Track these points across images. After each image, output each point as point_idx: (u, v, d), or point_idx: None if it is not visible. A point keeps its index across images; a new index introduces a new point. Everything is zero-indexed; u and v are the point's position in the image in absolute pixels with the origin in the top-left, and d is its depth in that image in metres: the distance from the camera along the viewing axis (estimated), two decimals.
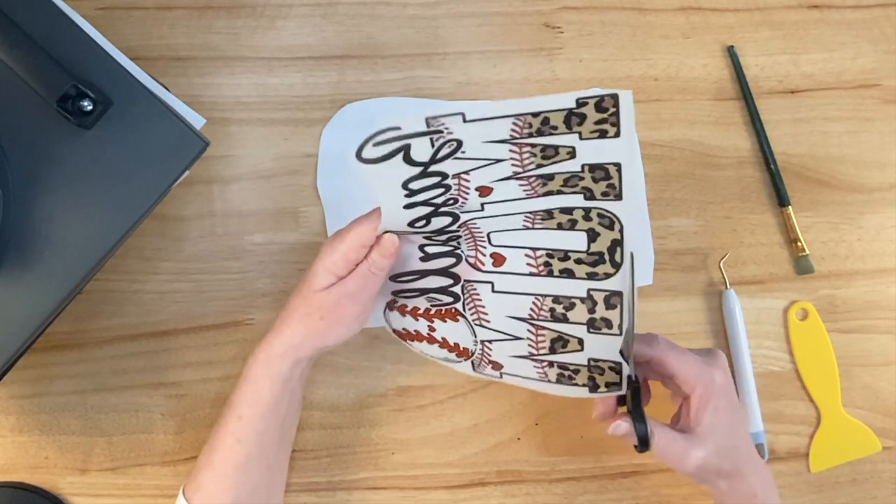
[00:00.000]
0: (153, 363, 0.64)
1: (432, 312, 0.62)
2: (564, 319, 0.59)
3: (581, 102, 0.52)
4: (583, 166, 0.55)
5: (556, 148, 0.55)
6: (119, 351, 0.64)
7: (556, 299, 0.59)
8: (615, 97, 0.52)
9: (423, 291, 0.61)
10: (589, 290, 0.58)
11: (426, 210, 0.56)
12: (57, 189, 0.50)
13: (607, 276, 0.58)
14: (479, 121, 0.53)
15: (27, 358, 0.62)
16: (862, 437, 0.68)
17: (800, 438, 0.68)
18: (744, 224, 0.69)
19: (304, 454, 0.65)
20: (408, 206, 0.55)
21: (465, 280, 0.60)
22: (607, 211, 0.56)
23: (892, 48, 0.71)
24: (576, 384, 0.60)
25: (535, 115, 0.53)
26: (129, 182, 0.51)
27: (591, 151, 0.55)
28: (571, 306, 0.59)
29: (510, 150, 0.55)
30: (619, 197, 0.56)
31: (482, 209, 0.57)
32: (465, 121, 0.53)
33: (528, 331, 0.60)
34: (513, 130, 0.54)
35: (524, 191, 0.57)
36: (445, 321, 0.61)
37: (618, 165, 0.55)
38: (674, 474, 0.67)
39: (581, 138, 0.54)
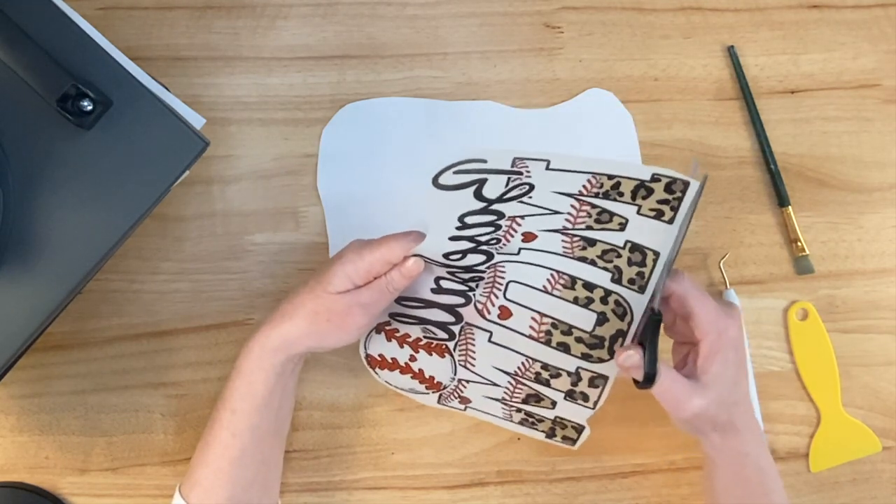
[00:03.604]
0: (153, 363, 0.64)
1: (422, 343, 0.62)
2: (546, 384, 0.62)
3: (655, 178, 0.55)
4: (625, 242, 0.58)
5: (611, 215, 0.57)
6: (119, 351, 0.64)
7: (545, 366, 0.61)
8: (686, 184, 0.54)
9: (422, 321, 0.61)
10: (578, 368, 0.61)
11: (468, 245, 0.57)
12: (57, 189, 0.50)
13: (601, 360, 0.60)
14: (560, 171, 0.55)
15: (27, 358, 0.62)
16: (862, 437, 0.68)
17: (800, 438, 0.68)
18: (744, 224, 0.69)
19: (304, 454, 0.65)
20: (453, 238, 0.56)
21: (466, 322, 0.61)
22: (625, 301, 0.59)
23: (892, 48, 0.71)
24: (535, 429, 0.64)
25: (610, 177, 0.55)
26: (129, 182, 0.51)
27: (640, 229, 0.57)
28: (557, 375, 0.61)
29: (571, 205, 0.57)
30: (642, 290, 0.58)
31: (518, 253, 0.59)
32: (547, 168, 0.54)
33: (509, 382, 0.63)
34: (584, 186, 0.56)
35: (563, 247, 0.58)
36: (431, 355, 0.62)
37: (657, 255, 0.57)
38: (674, 474, 0.67)
39: (638, 213, 0.56)
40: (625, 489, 0.67)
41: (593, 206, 0.57)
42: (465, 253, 0.57)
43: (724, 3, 0.70)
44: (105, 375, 0.64)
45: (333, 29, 0.68)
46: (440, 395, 0.64)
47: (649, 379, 0.53)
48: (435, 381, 0.63)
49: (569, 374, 0.61)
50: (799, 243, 0.68)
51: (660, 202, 0.55)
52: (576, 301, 0.59)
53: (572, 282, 0.59)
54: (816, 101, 0.70)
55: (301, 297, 0.57)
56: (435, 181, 0.52)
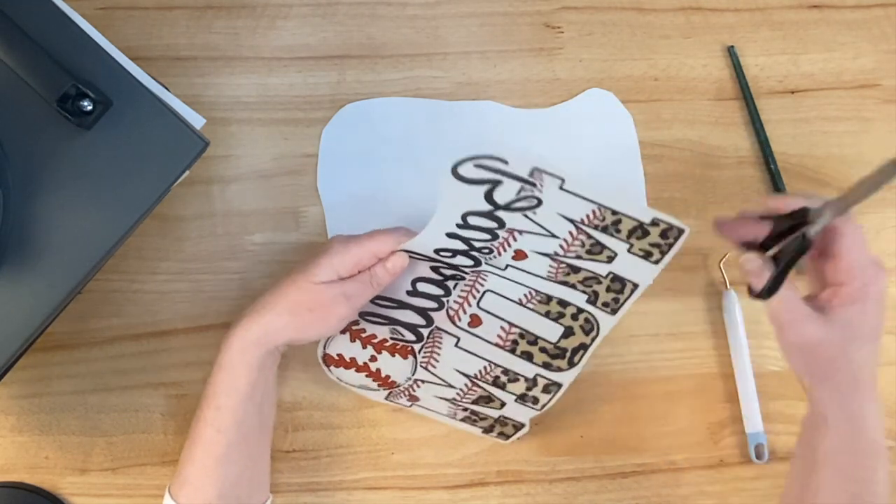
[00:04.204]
0: (153, 363, 0.64)
1: (387, 344, 0.62)
2: (502, 388, 0.63)
3: (654, 221, 0.57)
4: (609, 273, 0.59)
5: (603, 247, 0.58)
6: (119, 351, 0.64)
7: (506, 371, 0.63)
8: (681, 231, 0.57)
9: (392, 321, 0.61)
10: (536, 375, 0.63)
11: (461, 246, 0.57)
12: (57, 189, 0.50)
13: (559, 370, 0.62)
14: (570, 193, 0.55)
15: (27, 358, 0.62)
16: None
17: None
18: None
19: (304, 454, 0.65)
20: (450, 234, 0.56)
21: (436, 326, 0.62)
22: (595, 319, 0.61)
23: (892, 48, 0.71)
24: (475, 426, 0.65)
25: (614, 212, 0.57)
26: (129, 182, 0.51)
27: (626, 265, 0.59)
28: (515, 380, 0.63)
29: (569, 231, 0.58)
30: (614, 312, 0.61)
31: (505, 269, 0.60)
32: (560, 187, 0.55)
33: (465, 384, 0.63)
34: (587, 216, 0.57)
35: (548, 272, 0.60)
36: (394, 356, 0.62)
37: (636, 286, 0.60)
38: (674, 474, 0.67)
39: (629, 251, 0.58)
40: (625, 489, 0.67)
41: (589, 236, 0.58)
42: (455, 253, 0.58)
43: (724, 3, 0.70)
44: (105, 375, 0.64)
45: (333, 29, 0.68)
46: (389, 392, 0.64)
47: (769, 291, 0.51)
48: (389, 381, 0.63)
49: (526, 379, 0.63)
50: None
51: (651, 244, 0.58)
52: (547, 314, 0.61)
53: (548, 298, 0.61)
54: (816, 101, 0.70)
55: (283, 289, 0.57)
56: (454, 170, 0.52)
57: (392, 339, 0.62)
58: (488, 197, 0.54)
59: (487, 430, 0.65)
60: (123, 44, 0.55)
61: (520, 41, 0.69)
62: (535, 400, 0.63)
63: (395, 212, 0.66)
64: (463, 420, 0.65)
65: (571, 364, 0.62)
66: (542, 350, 0.62)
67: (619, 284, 0.60)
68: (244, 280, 0.65)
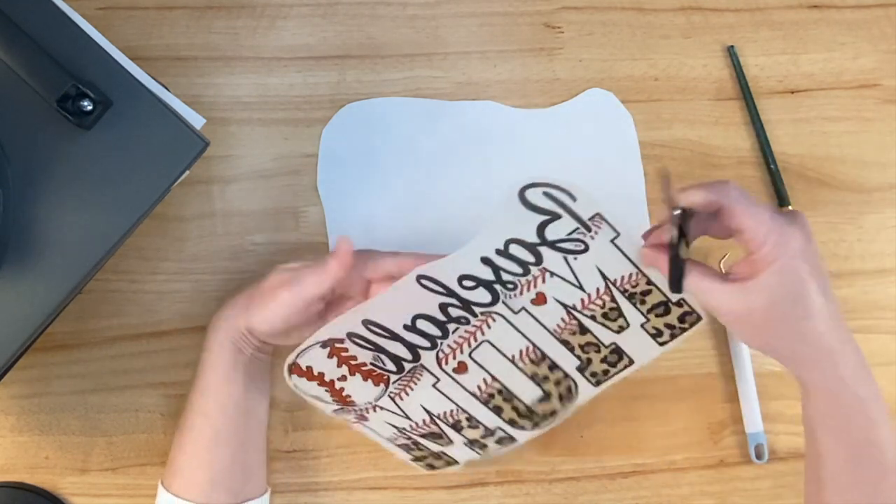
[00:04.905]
0: (153, 363, 0.64)
1: (364, 368, 0.59)
2: (458, 430, 0.62)
3: (678, 302, 0.56)
4: (612, 343, 0.59)
5: (619, 314, 0.57)
6: (119, 351, 0.64)
7: (470, 418, 0.62)
8: (698, 319, 0.56)
9: (378, 349, 0.58)
10: (497, 427, 0.62)
11: (489, 276, 0.55)
12: (57, 189, 0.50)
13: (522, 428, 0.62)
14: (618, 249, 0.54)
15: (27, 358, 0.62)
16: None
17: (800, 438, 0.67)
18: None
19: (304, 454, 0.65)
20: (484, 260, 0.54)
21: (421, 364, 0.59)
22: (576, 388, 0.60)
23: (892, 48, 0.71)
24: (409, 452, 0.63)
25: (649, 282, 0.55)
26: (129, 182, 0.51)
27: (633, 340, 0.58)
28: (475, 427, 0.62)
29: (597, 288, 0.56)
30: (599, 384, 0.60)
31: (518, 312, 0.58)
32: (612, 240, 0.54)
33: (423, 419, 0.62)
34: (623, 277, 0.56)
35: (558, 325, 0.58)
36: (366, 380, 0.59)
37: (631, 362, 0.59)
38: (674, 474, 0.67)
39: (642, 325, 0.57)
40: (625, 489, 0.67)
41: (612, 298, 0.57)
42: (478, 283, 0.55)
43: (724, 3, 0.70)
44: (105, 375, 0.64)
45: (333, 29, 0.68)
46: (340, 408, 0.61)
47: (674, 283, 0.51)
48: (348, 400, 0.60)
49: (486, 429, 0.62)
50: None
51: (666, 325, 0.57)
52: (533, 377, 0.60)
53: (541, 358, 0.59)
54: (816, 101, 0.70)
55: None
56: (522, 192, 0.50)
57: (372, 364, 0.59)
58: (540, 229, 0.53)
59: (417, 460, 0.64)
60: (123, 44, 0.55)
61: (520, 41, 0.69)
62: (484, 447, 0.63)
63: (394, 211, 0.66)
64: (400, 446, 0.63)
65: (535, 426, 0.62)
66: (514, 409, 0.61)
67: (615, 357, 0.59)
68: (244, 280, 0.65)
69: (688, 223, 0.51)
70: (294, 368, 0.58)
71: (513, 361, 0.59)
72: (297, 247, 0.66)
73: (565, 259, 0.55)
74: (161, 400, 0.64)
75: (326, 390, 0.60)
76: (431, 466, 0.64)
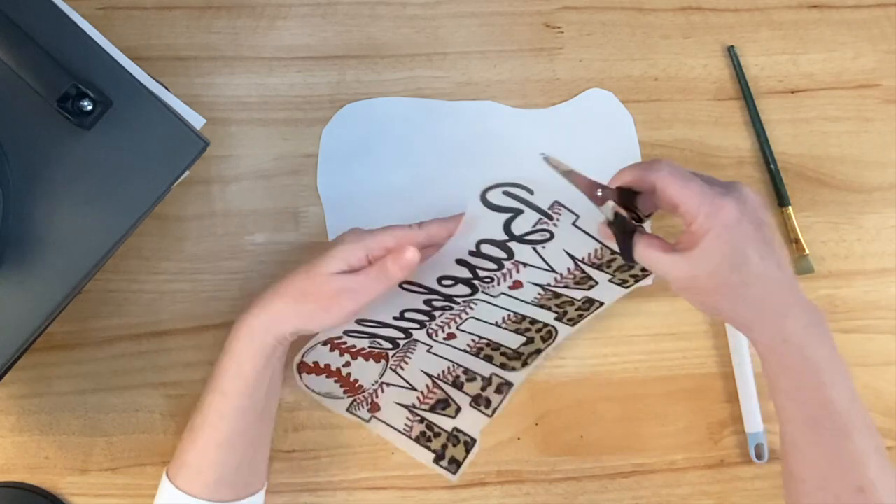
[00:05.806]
0: (153, 363, 0.64)
1: (364, 352, 0.62)
2: (460, 388, 0.65)
3: None
4: (583, 297, 0.62)
5: (589, 279, 0.60)
6: (119, 351, 0.64)
7: (466, 371, 0.64)
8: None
9: (372, 337, 0.61)
10: (492, 374, 0.65)
11: (466, 274, 0.59)
12: (57, 189, 0.50)
13: (513, 370, 0.65)
14: (581, 230, 0.57)
15: (27, 358, 0.62)
16: None
17: None
18: None
19: (304, 454, 0.65)
20: (460, 262, 0.57)
21: (414, 338, 0.62)
22: (556, 330, 0.63)
23: (892, 48, 0.71)
24: (427, 448, 0.65)
25: (613, 251, 0.58)
26: (129, 182, 0.51)
27: (602, 291, 0.61)
28: (472, 379, 0.64)
29: (567, 268, 0.60)
30: (574, 324, 0.63)
31: (497, 297, 0.61)
32: (573, 223, 0.57)
33: (426, 385, 0.65)
34: (589, 254, 0.59)
35: (534, 298, 0.62)
36: (367, 360, 0.63)
37: (601, 304, 0.63)
38: (674, 474, 0.67)
39: (609, 280, 0.61)
40: (625, 489, 0.67)
41: (583, 272, 0.60)
42: (457, 281, 0.59)
43: (724, 3, 0.70)
44: (105, 375, 0.64)
45: (333, 29, 0.68)
46: (353, 401, 0.64)
47: (624, 253, 0.54)
48: (357, 385, 0.63)
49: (483, 378, 0.64)
50: (799, 243, 0.68)
51: (631, 275, 0.60)
52: (517, 331, 0.63)
53: (522, 318, 0.63)
54: (816, 101, 0.70)
55: (293, 277, 0.56)
56: (483, 195, 0.53)
57: (370, 347, 0.62)
58: (506, 226, 0.55)
59: (438, 457, 0.65)
60: (123, 44, 0.55)
61: (520, 41, 0.69)
62: (488, 402, 0.65)
63: (395, 211, 0.66)
64: (416, 440, 0.65)
65: (525, 364, 0.64)
66: (503, 354, 0.64)
67: (588, 304, 0.62)
68: (244, 280, 0.65)
69: (633, 200, 0.54)
70: (303, 367, 0.62)
71: (497, 326, 0.63)
72: (296, 247, 0.66)
73: (534, 249, 0.58)
74: (161, 400, 0.64)
75: (336, 381, 0.62)
76: (454, 462, 0.65)
